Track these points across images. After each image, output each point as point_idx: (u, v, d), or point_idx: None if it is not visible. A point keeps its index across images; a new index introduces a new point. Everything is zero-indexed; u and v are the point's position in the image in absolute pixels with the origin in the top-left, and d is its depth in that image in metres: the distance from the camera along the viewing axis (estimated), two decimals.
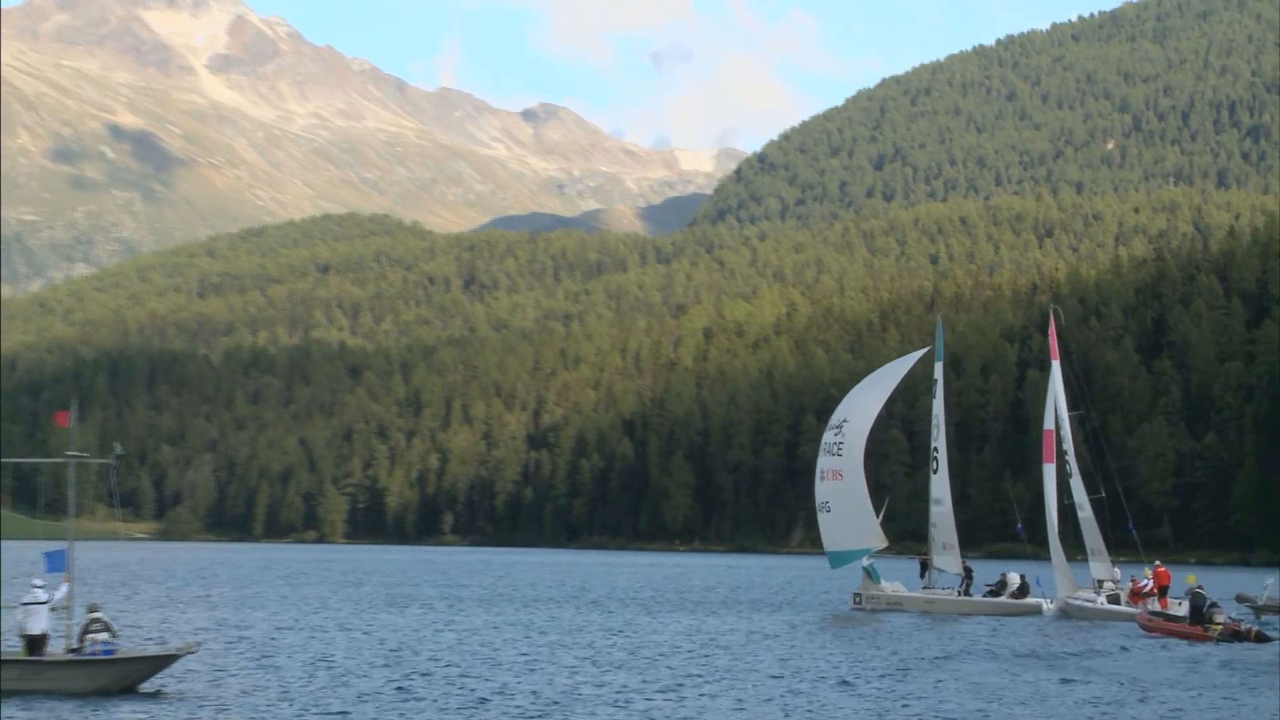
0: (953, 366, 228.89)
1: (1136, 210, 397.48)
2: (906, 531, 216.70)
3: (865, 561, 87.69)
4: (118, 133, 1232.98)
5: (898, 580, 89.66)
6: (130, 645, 46.67)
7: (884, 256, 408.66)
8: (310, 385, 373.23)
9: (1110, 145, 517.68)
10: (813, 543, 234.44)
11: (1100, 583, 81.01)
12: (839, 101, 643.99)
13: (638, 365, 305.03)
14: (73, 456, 46.28)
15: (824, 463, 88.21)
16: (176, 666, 46.97)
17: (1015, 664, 54.24)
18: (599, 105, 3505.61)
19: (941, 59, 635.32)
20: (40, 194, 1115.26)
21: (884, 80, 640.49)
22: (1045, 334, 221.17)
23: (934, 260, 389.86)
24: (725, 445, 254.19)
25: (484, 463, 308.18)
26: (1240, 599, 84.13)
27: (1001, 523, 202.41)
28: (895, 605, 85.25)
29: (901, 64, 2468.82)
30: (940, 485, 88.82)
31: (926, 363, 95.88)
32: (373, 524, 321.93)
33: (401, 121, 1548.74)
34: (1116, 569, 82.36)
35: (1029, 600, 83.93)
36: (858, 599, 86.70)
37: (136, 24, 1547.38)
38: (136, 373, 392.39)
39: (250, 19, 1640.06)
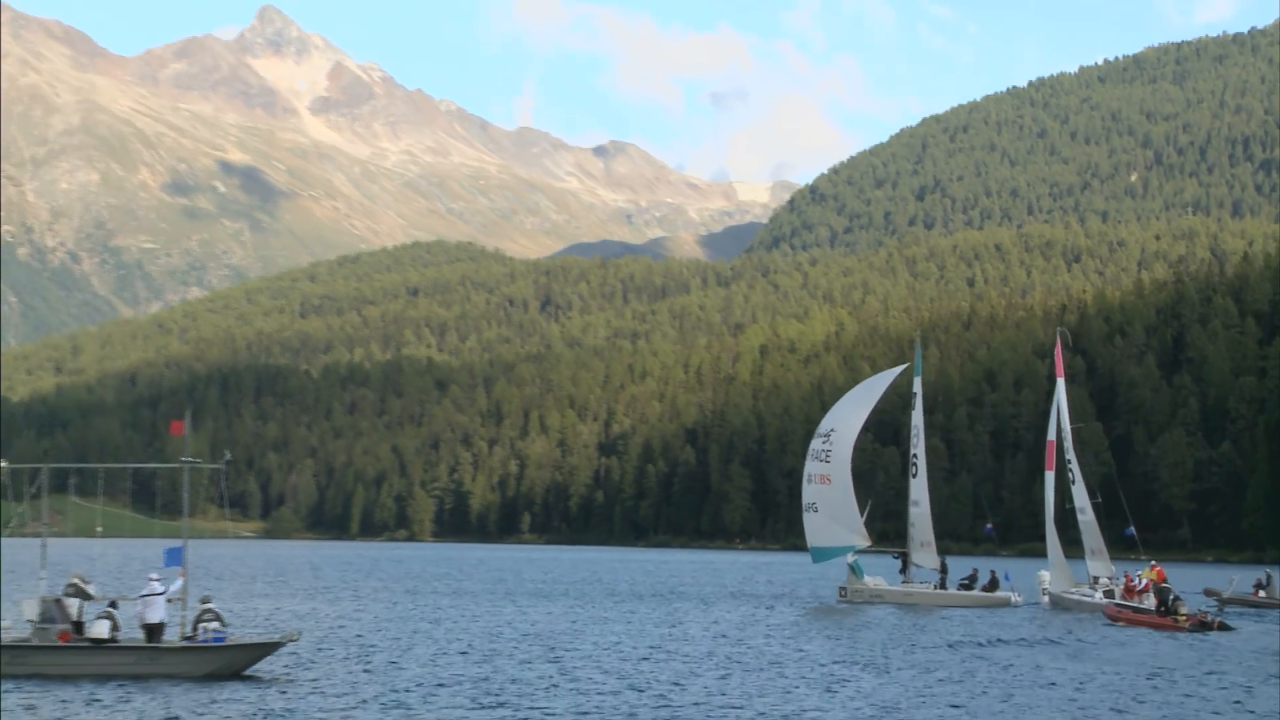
0: (988, 380, 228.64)
1: (1158, 237, 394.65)
2: (945, 531, 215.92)
3: (850, 558, 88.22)
4: (228, 169, 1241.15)
5: (880, 575, 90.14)
6: (238, 633, 46.87)
7: (925, 280, 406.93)
8: (401, 397, 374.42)
9: (1133, 178, 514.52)
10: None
11: (1097, 579, 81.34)
12: (884, 138, 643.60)
13: (699, 379, 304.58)
14: (186, 462, 46.52)
15: (812, 468, 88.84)
16: (280, 653, 47.24)
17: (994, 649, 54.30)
18: (663, 142, 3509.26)
19: (978, 99, 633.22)
20: (158, 224, 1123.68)
21: (925, 119, 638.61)
22: (1074, 352, 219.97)
23: (970, 283, 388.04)
24: (779, 452, 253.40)
25: (559, 468, 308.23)
26: (1208, 593, 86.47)
27: (1033, 524, 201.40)
28: (878, 598, 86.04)
29: (941, 104, 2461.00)
30: (919, 488, 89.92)
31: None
32: (457, 524, 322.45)
33: (484, 157, 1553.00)
34: (1113, 567, 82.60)
35: (998, 594, 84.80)
36: (843, 592, 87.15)
37: (245, 70, 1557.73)
38: (244, 386, 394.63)
39: (348, 65, 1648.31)
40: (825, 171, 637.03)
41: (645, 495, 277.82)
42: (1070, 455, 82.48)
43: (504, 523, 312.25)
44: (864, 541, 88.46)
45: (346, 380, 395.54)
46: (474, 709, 37.96)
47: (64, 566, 63.57)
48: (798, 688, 43.06)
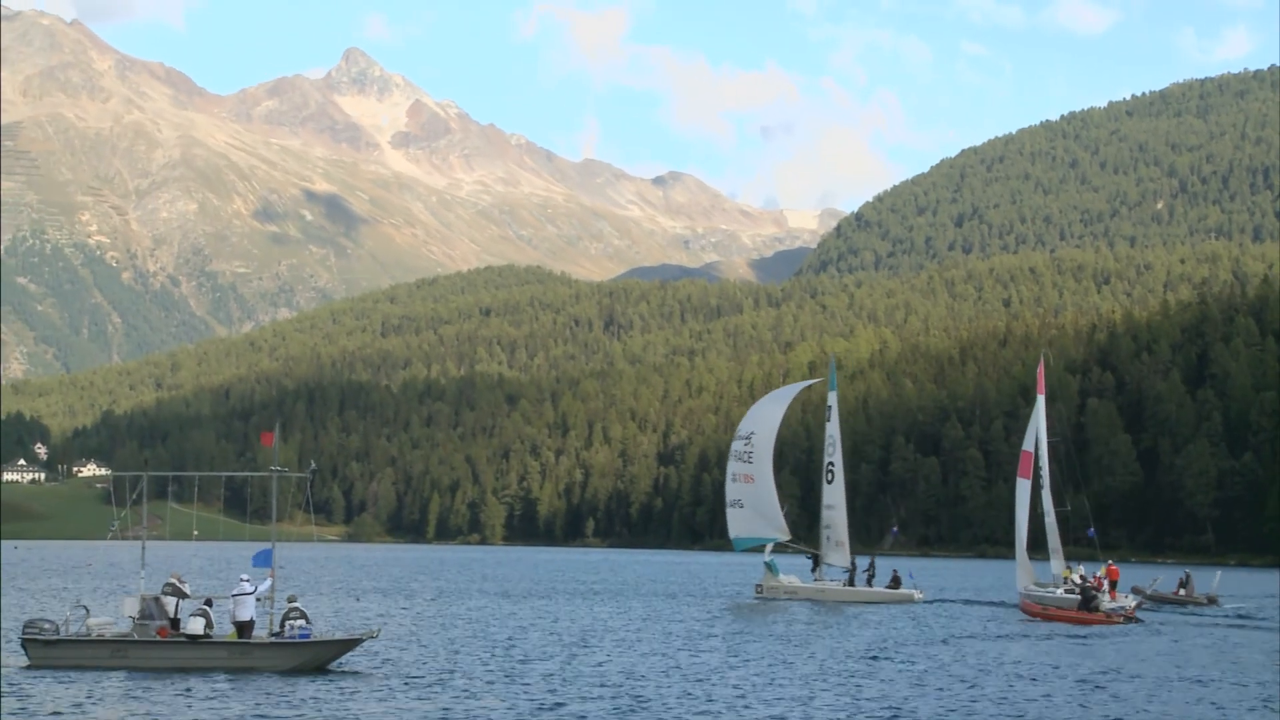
0: (1023, 395, 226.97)
1: (1183, 261, 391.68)
2: (981, 536, 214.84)
3: (767, 556, 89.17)
4: (314, 199, 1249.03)
5: (794, 574, 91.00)
6: (323, 630, 47.04)
7: (963, 301, 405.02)
8: (474, 411, 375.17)
9: (1160, 205, 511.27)
10: (902, 546, 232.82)
11: (1068, 577, 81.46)
12: (925, 168, 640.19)
13: (752, 394, 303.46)
14: (276, 471, 46.79)
15: (736, 467, 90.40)
16: (362, 649, 47.39)
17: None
18: (716, 172, 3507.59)
19: (1013, 132, 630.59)
20: (251, 250, 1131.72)
21: (963, 150, 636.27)
22: (1104, 368, 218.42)
23: (1006, 304, 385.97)
24: None
25: (621, 477, 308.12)
26: (1135, 590, 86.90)
27: (1063, 529, 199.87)
28: (792, 595, 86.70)
29: (978, 136, 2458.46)
30: (833, 493, 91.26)
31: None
32: (526, 528, 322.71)
33: (552, 187, 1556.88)
34: (1069, 566, 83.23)
35: (902, 590, 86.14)
36: (759, 589, 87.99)
37: (332, 107, 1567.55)
38: (329, 400, 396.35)
39: (426, 102, 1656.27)
40: (870, 200, 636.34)
41: (701, 502, 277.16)
42: (1044, 464, 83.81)
43: (570, 528, 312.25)
44: (784, 535, 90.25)
45: (424, 395, 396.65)
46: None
47: (163, 567, 64.00)
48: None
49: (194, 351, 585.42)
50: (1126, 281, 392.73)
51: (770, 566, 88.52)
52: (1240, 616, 76.70)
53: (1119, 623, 67.49)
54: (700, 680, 42.82)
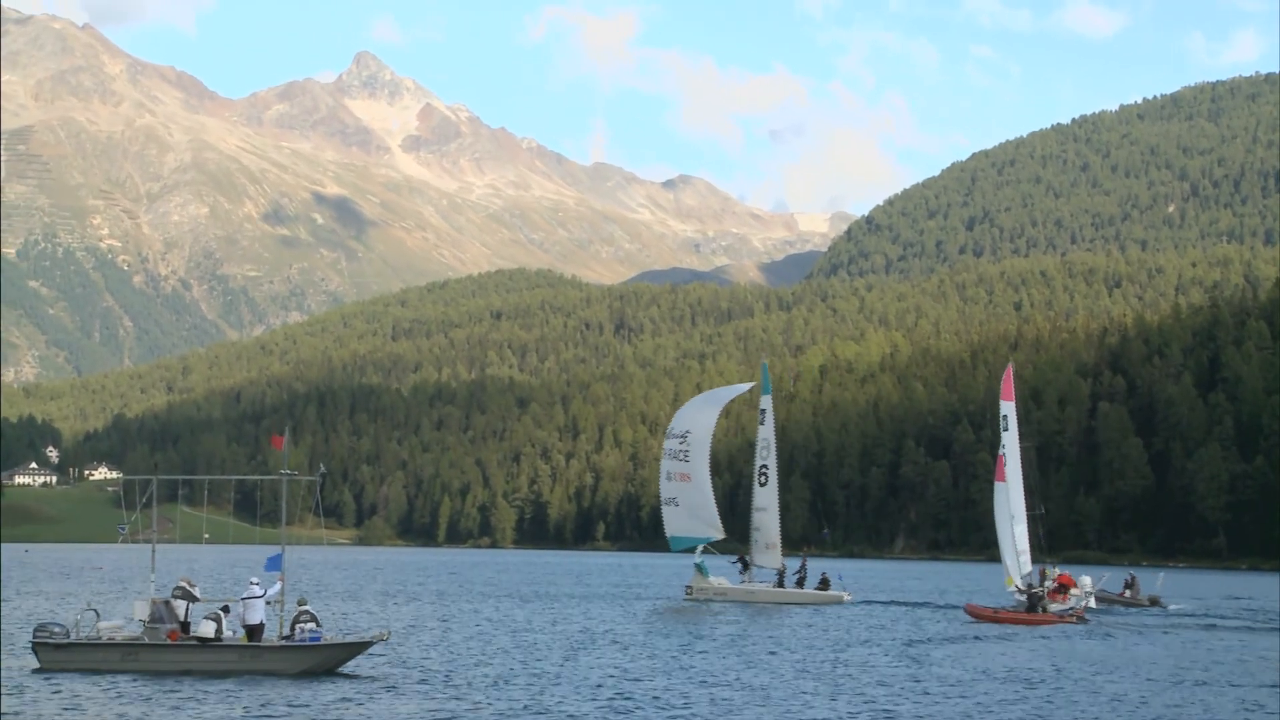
0: (1033, 398, 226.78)
1: (1194, 265, 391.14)
2: (992, 539, 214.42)
3: (698, 557, 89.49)
4: (325, 202, 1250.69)
5: (723, 576, 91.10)
6: (333, 633, 47.10)
7: (974, 304, 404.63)
8: (485, 414, 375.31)
9: (1171, 209, 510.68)
10: (912, 550, 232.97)
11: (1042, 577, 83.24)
12: (935, 172, 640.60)
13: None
14: (285, 475, 46.89)
15: (671, 466, 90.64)
16: (372, 652, 47.45)
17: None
18: (725, 175, 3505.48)
19: (1024, 135, 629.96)
20: (261, 254, 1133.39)
21: (974, 154, 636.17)
22: (1115, 372, 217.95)
23: (1018, 307, 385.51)
24: (837, 466, 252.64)
25: (631, 480, 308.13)
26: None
27: (1075, 533, 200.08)
28: (722, 596, 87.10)
29: (988, 140, 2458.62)
30: (766, 496, 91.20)
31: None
32: (537, 532, 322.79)
33: (562, 191, 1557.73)
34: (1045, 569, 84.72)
35: (831, 592, 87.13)
36: (689, 591, 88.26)
37: (342, 111, 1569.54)
38: (340, 404, 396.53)
39: (437, 106, 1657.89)
40: (880, 203, 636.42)
41: None
42: (1016, 468, 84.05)
43: (580, 531, 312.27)
44: (719, 534, 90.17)
45: (434, 398, 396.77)
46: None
47: (173, 571, 64.15)
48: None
49: (205, 355, 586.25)
50: (1138, 285, 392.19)
51: (700, 568, 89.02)
52: (1185, 616, 78.58)
53: (1072, 622, 68.78)
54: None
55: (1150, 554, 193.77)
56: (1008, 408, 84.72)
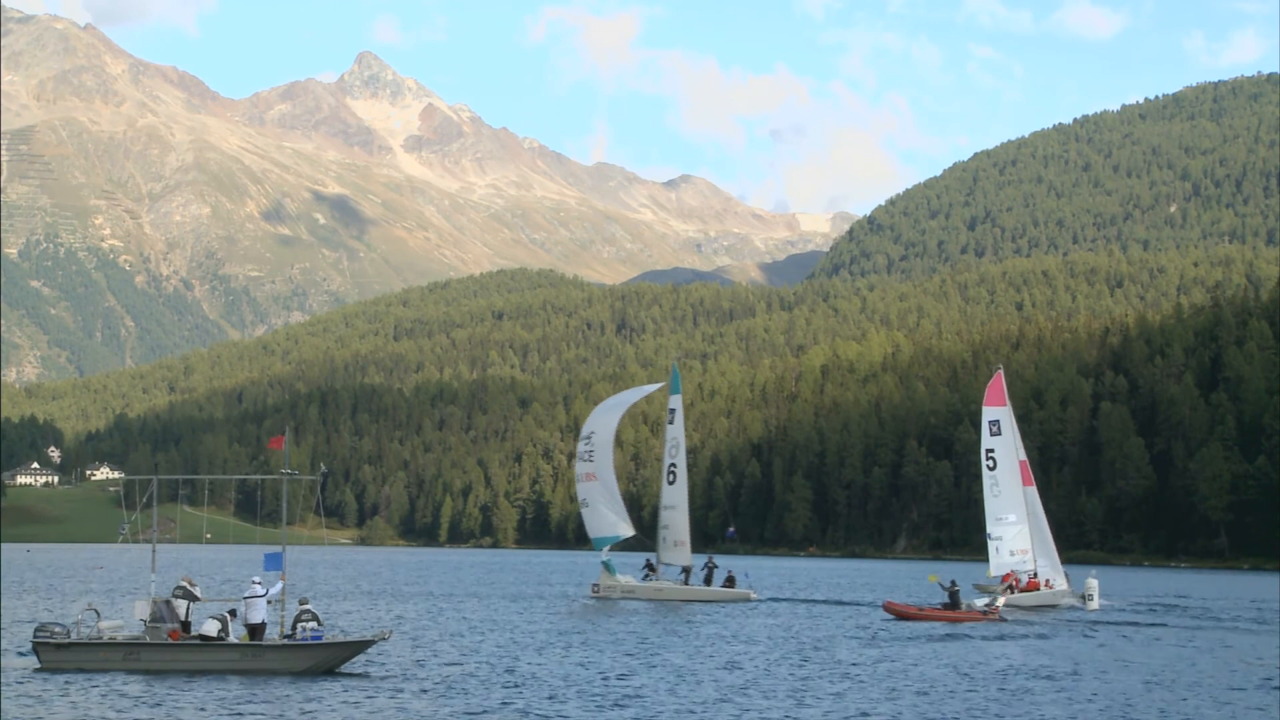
0: (1035, 399, 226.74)
1: (1196, 264, 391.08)
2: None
3: (605, 556, 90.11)
4: (327, 202, 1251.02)
5: (630, 574, 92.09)
6: (334, 632, 47.09)
7: (976, 304, 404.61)
8: (487, 414, 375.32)
9: (1173, 208, 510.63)
10: (914, 549, 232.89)
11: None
12: (937, 172, 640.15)
13: (764, 397, 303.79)
14: (286, 475, 46.91)
15: (580, 468, 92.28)
16: (373, 650, 47.44)
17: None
18: (727, 175, 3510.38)
19: (1026, 135, 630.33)
20: (263, 254, 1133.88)
21: (976, 154, 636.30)
22: (1117, 372, 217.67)
23: (1019, 307, 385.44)
24: (839, 466, 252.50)
25: (633, 480, 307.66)
26: (978, 587, 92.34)
27: (1077, 533, 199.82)
28: (629, 594, 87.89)
29: (990, 140, 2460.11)
30: (675, 494, 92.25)
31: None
32: (538, 532, 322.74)
33: (564, 191, 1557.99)
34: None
35: (737, 590, 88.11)
36: (596, 589, 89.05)
37: (345, 111, 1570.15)
38: (342, 404, 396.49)
39: (439, 106, 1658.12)
40: (882, 203, 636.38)
41: (714, 505, 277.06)
42: (1014, 471, 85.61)
43: (581, 530, 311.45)
44: (630, 531, 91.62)
45: (436, 398, 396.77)
46: None
47: (173, 570, 64.21)
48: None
49: (207, 355, 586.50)
50: (1140, 285, 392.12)
51: (607, 566, 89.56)
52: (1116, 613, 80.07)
53: (993, 619, 70.06)
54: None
55: (1152, 554, 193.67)
56: (999, 413, 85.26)
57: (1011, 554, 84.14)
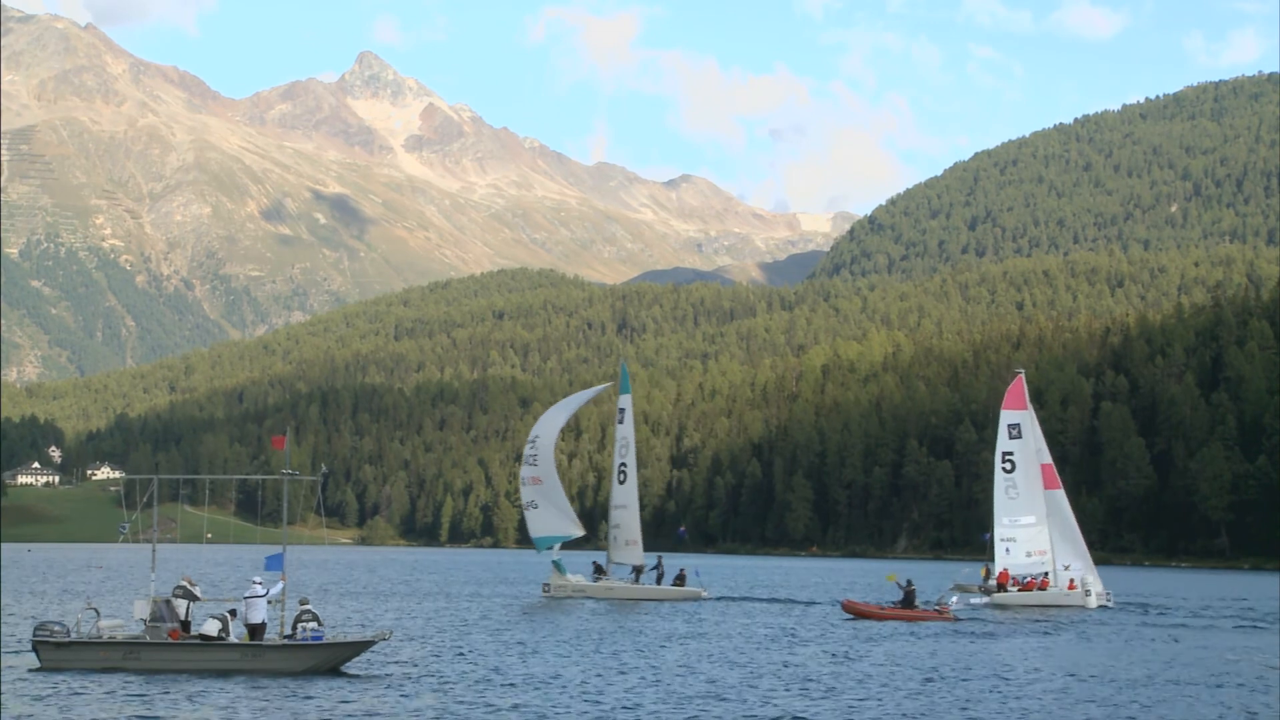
0: (1036, 399, 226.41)
1: (1197, 264, 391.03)
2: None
3: (555, 555, 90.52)
4: (328, 202, 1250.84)
5: (580, 573, 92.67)
6: (335, 632, 47.10)
7: (977, 304, 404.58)
8: (487, 414, 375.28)
9: (1174, 208, 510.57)
10: (915, 549, 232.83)
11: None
12: (937, 172, 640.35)
13: (765, 397, 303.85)
14: (287, 475, 46.92)
15: (525, 471, 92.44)
16: (373, 651, 47.44)
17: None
18: (727, 175, 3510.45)
19: (1026, 135, 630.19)
20: (264, 254, 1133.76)
21: (977, 154, 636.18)
22: (1118, 371, 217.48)
23: (1020, 307, 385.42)
24: (840, 465, 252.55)
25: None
26: (959, 587, 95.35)
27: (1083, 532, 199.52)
28: (580, 593, 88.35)
29: (991, 140, 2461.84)
30: (625, 494, 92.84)
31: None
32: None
33: (565, 190, 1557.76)
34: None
35: (688, 588, 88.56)
36: (546, 588, 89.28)
37: (345, 111, 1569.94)
38: (343, 403, 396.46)
39: (439, 106, 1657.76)
40: (883, 203, 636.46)
41: (714, 505, 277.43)
42: (1035, 474, 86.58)
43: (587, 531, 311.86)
44: (579, 531, 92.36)
45: (437, 398, 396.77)
46: None
47: (174, 570, 64.24)
48: None
49: (207, 355, 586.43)
50: (1140, 285, 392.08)
51: (558, 565, 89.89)
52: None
53: (949, 619, 70.48)
54: None
55: (1153, 554, 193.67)
56: (1020, 416, 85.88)
57: (1028, 555, 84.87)
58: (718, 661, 49.01)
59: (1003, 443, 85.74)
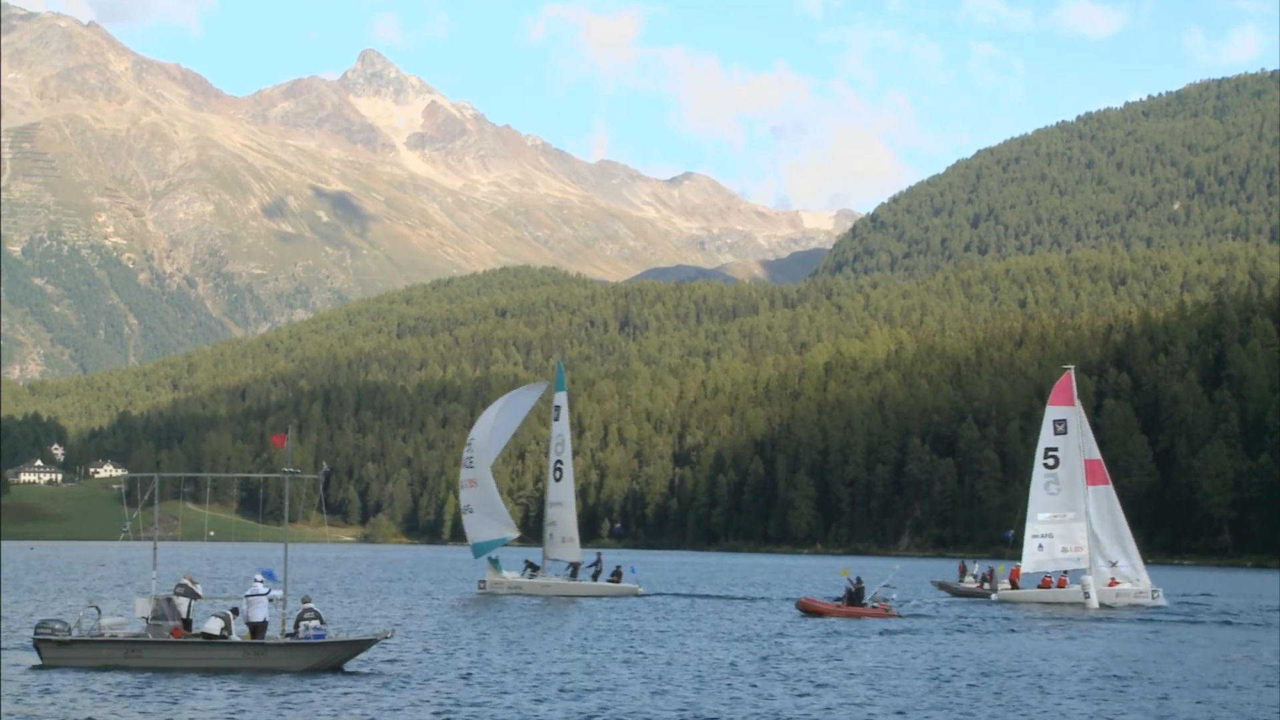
0: (1039, 396, 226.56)
1: (1199, 262, 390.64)
2: (997, 537, 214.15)
3: (494, 553, 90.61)
4: (330, 200, 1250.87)
5: (515, 570, 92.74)
6: (337, 631, 47.05)
7: (979, 302, 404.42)
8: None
9: (1176, 206, 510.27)
10: (917, 547, 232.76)
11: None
12: (940, 169, 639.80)
13: (767, 395, 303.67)
14: (288, 473, 46.88)
15: (463, 474, 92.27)
16: (375, 649, 47.40)
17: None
18: (728, 173, 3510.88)
19: (1029, 132, 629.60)
20: (267, 252, 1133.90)
21: (979, 151, 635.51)
22: (1120, 369, 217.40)
23: (1022, 305, 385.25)
24: (842, 463, 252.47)
25: (636, 478, 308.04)
26: (937, 584, 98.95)
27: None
28: (516, 590, 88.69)
29: (993, 137, 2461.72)
30: (561, 491, 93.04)
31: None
32: (542, 529, 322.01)
33: (567, 188, 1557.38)
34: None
35: (624, 585, 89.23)
36: (482, 585, 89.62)
37: (348, 109, 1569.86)
38: (345, 401, 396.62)
39: (442, 103, 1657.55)
40: (885, 201, 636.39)
41: (717, 503, 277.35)
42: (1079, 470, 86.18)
43: (584, 529, 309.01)
44: (514, 533, 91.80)
45: (439, 396, 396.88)
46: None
47: (175, 568, 64.20)
48: None
49: (210, 353, 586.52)
50: (1143, 282, 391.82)
51: (494, 562, 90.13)
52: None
53: (891, 615, 71.06)
54: None
55: (1155, 552, 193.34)
56: (1066, 412, 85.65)
57: (1064, 550, 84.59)
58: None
59: (1046, 438, 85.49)
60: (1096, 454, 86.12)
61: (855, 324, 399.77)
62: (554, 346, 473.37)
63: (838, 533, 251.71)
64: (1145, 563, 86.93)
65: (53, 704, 36.37)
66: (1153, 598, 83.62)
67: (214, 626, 43.57)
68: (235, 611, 44.86)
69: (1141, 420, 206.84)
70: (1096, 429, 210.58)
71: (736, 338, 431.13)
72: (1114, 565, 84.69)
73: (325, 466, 50.05)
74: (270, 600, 45.06)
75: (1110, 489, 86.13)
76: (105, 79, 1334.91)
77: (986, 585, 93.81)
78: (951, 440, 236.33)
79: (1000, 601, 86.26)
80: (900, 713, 37.43)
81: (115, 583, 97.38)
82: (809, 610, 72.82)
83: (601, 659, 48.61)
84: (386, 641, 47.81)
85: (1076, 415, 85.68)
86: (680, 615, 71.55)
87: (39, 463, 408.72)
